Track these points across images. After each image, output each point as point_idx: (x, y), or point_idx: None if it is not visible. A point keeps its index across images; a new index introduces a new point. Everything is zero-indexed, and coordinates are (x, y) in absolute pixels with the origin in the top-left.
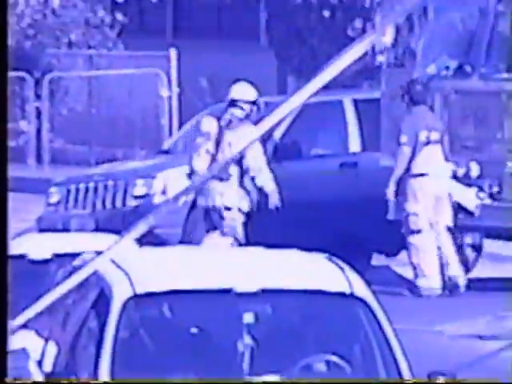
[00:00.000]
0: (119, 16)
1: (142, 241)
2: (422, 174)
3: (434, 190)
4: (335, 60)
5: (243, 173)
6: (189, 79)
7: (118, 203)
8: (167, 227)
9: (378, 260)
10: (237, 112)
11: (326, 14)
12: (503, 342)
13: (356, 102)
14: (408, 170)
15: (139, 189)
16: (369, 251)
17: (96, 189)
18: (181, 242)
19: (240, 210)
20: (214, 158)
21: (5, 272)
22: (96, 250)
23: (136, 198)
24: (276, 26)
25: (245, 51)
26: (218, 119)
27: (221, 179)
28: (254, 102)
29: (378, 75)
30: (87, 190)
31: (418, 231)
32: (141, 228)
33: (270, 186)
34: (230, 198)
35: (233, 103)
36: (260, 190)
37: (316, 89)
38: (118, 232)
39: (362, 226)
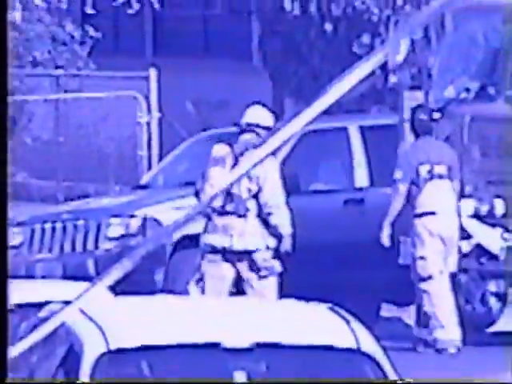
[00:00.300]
0: (91, 31)
1: (116, 289)
2: (426, 213)
3: (442, 231)
4: (339, 81)
5: (261, 208)
6: (171, 103)
7: (90, 246)
8: (146, 273)
9: (387, 311)
10: (253, 138)
11: (329, 28)
12: None
13: (363, 130)
14: (412, 208)
15: (114, 229)
16: (377, 300)
17: (64, 229)
18: (162, 291)
19: (268, 247)
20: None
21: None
22: (64, 300)
23: (110, 239)
24: (271, 43)
25: (235, 71)
26: (231, 146)
27: (239, 216)
28: (269, 128)
29: (388, 98)
30: (54, 230)
31: (429, 277)
32: (115, 274)
33: (285, 229)
34: (252, 239)
35: (248, 128)
36: (274, 228)
37: (317, 114)
38: (89, 279)
39: (369, 271)
